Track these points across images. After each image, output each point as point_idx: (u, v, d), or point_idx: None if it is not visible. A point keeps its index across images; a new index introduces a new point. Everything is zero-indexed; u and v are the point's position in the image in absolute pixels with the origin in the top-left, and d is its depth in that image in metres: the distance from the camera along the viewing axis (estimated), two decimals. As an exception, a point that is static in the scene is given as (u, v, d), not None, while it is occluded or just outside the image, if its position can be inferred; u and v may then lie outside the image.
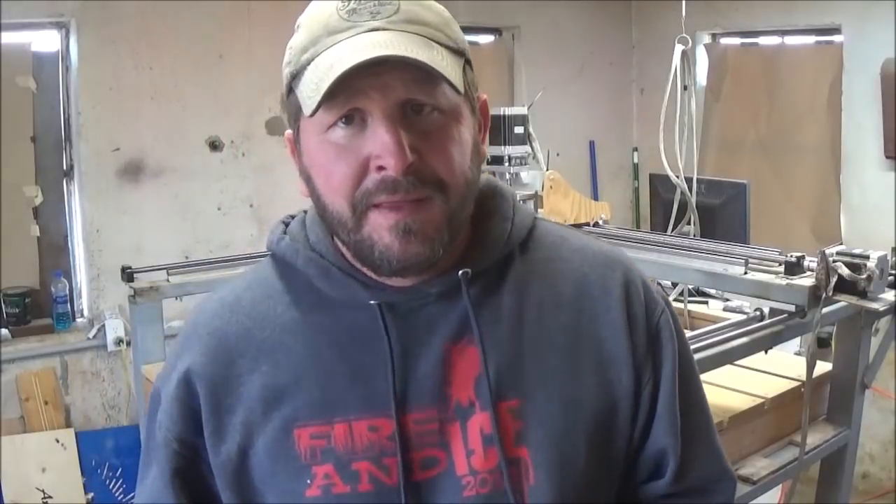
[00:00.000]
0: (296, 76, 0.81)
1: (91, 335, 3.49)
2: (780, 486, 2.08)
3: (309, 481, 0.83)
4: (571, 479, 0.84)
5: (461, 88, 0.79)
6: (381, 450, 0.82)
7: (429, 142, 0.79)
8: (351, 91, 0.76)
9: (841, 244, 1.77)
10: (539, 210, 2.23)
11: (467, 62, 0.83)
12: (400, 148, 0.76)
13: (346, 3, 0.79)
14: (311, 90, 0.77)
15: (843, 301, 1.67)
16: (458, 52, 0.82)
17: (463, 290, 0.84)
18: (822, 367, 2.03)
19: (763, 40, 4.65)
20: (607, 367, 0.87)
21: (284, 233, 0.92)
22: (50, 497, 3.20)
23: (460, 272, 0.84)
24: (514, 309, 0.86)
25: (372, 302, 0.84)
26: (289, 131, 0.87)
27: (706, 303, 3.35)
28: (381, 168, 0.77)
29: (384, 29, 0.78)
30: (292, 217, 0.95)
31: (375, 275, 0.84)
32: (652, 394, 0.90)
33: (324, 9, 0.81)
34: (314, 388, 0.84)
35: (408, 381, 0.83)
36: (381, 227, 0.79)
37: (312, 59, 0.79)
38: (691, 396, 0.95)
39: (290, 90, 0.82)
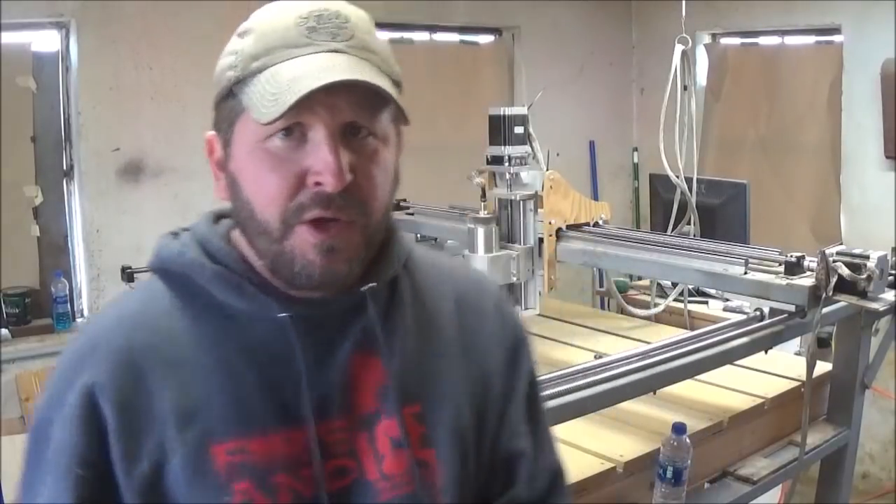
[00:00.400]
0: (242, 81, 0.82)
1: (91, 335, 3.49)
2: (780, 486, 2.08)
3: (228, 498, 0.82)
4: (468, 479, 0.91)
5: (408, 117, 0.84)
6: (297, 461, 0.83)
7: (361, 165, 0.81)
8: (299, 105, 0.77)
9: (841, 244, 1.77)
10: (539, 210, 2.23)
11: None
12: (340, 167, 0.79)
13: (306, 20, 0.81)
14: (269, 100, 0.78)
15: (843, 301, 1.67)
16: (397, 83, 0.85)
17: (368, 304, 0.87)
18: (822, 367, 2.03)
19: (763, 40, 4.65)
20: (486, 376, 0.95)
21: (182, 248, 0.90)
22: (50, 497, 3.20)
23: (365, 287, 0.87)
24: (410, 322, 0.92)
25: (282, 315, 0.84)
26: (211, 132, 0.88)
27: (706, 303, 3.35)
28: (318, 184, 0.80)
29: (342, 52, 0.81)
30: (175, 233, 0.94)
31: (286, 287, 0.85)
32: (514, 402, 0.98)
33: (280, 20, 0.82)
34: (228, 403, 0.83)
35: (318, 392, 0.85)
36: (306, 243, 0.81)
37: (266, 69, 0.80)
38: (540, 403, 1.04)
39: (231, 93, 0.83)
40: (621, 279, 3.56)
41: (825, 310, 1.66)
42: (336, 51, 0.80)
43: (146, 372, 0.83)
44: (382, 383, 0.87)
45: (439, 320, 0.95)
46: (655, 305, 2.83)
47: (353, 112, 0.80)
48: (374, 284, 0.88)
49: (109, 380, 0.82)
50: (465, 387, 0.93)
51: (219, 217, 0.94)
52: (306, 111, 0.78)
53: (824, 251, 1.66)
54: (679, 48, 2.65)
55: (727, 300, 3.25)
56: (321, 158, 0.79)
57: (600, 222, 2.28)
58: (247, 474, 0.82)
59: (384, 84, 0.80)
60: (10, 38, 3.30)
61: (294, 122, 0.79)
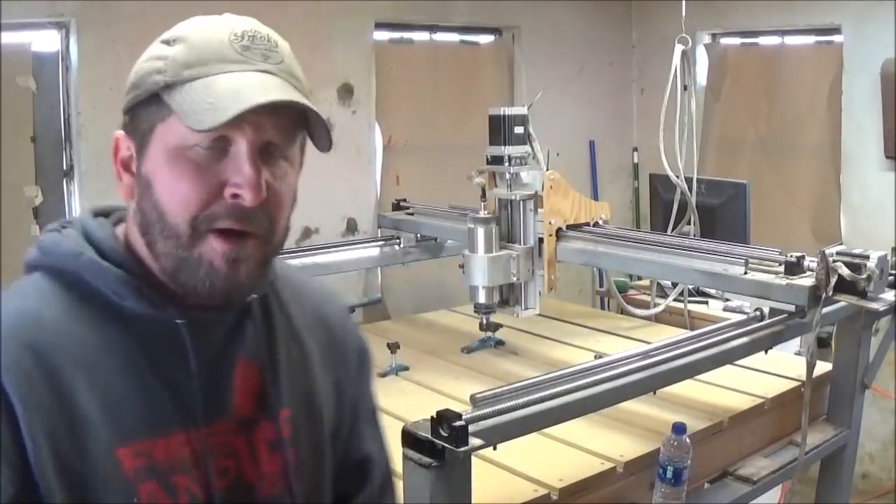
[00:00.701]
0: (170, 87, 0.83)
1: (91, 335, 3.49)
2: (780, 486, 2.08)
3: (135, 500, 0.83)
4: (328, 479, 1.00)
5: (332, 142, 0.89)
6: (191, 462, 0.86)
7: (272, 185, 0.85)
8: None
9: (841, 244, 1.77)
10: (539, 210, 2.23)
11: None
12: (260, 183, 0.82)
13: (239, 39, 0.84)
14: (204, 108, 0.80)
15: (843, 301, 1.67)
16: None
17: (254, 314, 0.93)
18: (822, 367, 2.03)
19: (763, 40, 4.65)
20: (341, 382, 1.03)
21: (77, 247, 0.89)
22: (50, 497, 3.20)
23: (250, 298, 0.92)
24: (285, 332, 0.98)
25: (179, 321, 0.86)
26: (120, 132, 0.89)
27: (706, 303, 3.35)
28: (235, 196, 0.82)
29: (274, 74, 0.84)
30: (59, 229, 0.93)
31: (182, 291, 0.86)
32: (363, 406, 1.07)
33: (213, 33, 0.85)
34: (134, 406, 0.84)
35: (209, 395, 0.88)
36: (214, 252, 0.83)
37: (199, 78, 0.82)
38: (377, 407, 1.11)
39: (156, 97, 0.84)
40: (621, 279, 3.56)
41: (825, 310, 1.66)
42: (268, 72, 0.84)
43: (56, 371, 0.81)
44: (261, 389, 0.93)
45: (303, 332, 1.00)
46: (655, 305, 2.83)
47: (274, 133, 0.84)
48: (256, 296, 0.93)
49: (17, 381, 0.79)
50: (327, 393, 1.01)
51: (97, 215, 0.95)
52: (234, 126, 0.80)
53: (824, 251, 1.66)
54: (679, 48, 2.65)
55: (727, 300, 3.25)
56: (243, 172, 0.81)
57: (600, 222, 2.28)
58: (152, 476, 0.84)
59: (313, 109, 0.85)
60: (10, 38, 3.30)
61: (221, 136, 0.81)
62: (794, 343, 2.42)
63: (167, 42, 0.87)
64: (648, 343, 1.63)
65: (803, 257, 1.76)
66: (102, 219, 0.94)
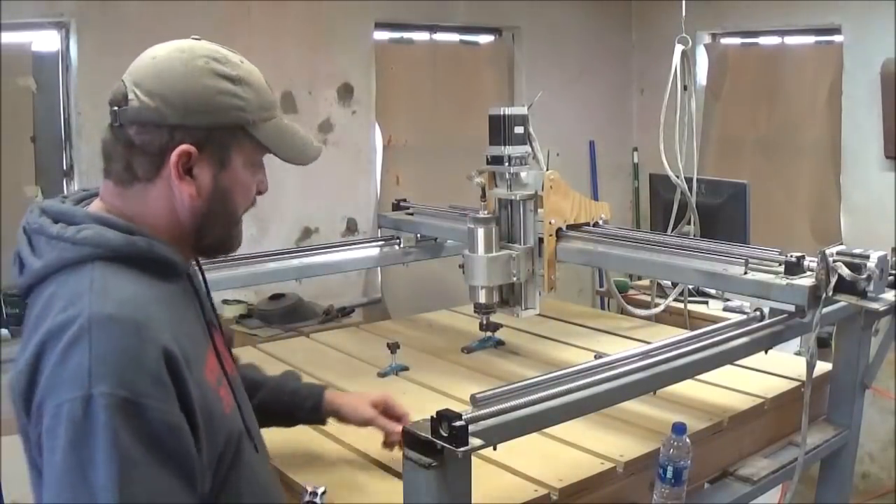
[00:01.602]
0: (254, 123, 1.15)
1: (91, 335, 3.49)
2: (780, 486, 2.08)
3: (220, 403, 1.12)
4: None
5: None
6: (220, 366, 1.17)
7: None
8: None
9: (841, 244, 1.76)
10: (539, 210, 2.23)
11: None
12: None
13: (269, 89, 1.20)
14: (299, 149, 1.22)
15: (843, 301, 1.67)
16: None
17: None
18: (822, 367, 2.03)
19: (763, 40, 4.65)
20: None
21: (121, 236, 1.09)
22: (50, 497, 3.20)
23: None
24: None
25: (195, 265, 1.24)
26: (191, 147, 1.10)
27: (706, 303, 3.35)
28: (259, 193, 1.23)
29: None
30: (57, 224, 1.11)
31: (205, 253, 1.24)
32: None
33: (257, 79, 1.18)
34: (197, 336, 1.15)
35: (211, 315, 1.24)
36: (242, 231, 1.24)
37: (271, 120, 1.18)
38: None
39: (242, 128, 1.14)
40: (621, 279, 3.56)
41: (825, 310, 1.66)
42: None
43: (170, 328, 1.03)
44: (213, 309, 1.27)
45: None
46: (655, 305, 2.83)
47: None
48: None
49: (173, 341, 1.01)
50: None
51: (77, 202, 1.17)
52: None
53: (824, 251, 1.65)
54: (679, 48, 2.65)
55: (727, 300, 3.25)
56: (266, 182, 1.24)
57: (600, 222, 2.27)
58: (219, 383, 1.14)
59: None
60: (10, 38, 3.31)
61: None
62: (794, 343, 2.42)
63: (230, 79, 1.13)
64: (648, 343, 1.62)
65: (803, 257, 1.75)
66: (97, 204, 1.16)
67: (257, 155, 1.18)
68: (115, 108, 1.11)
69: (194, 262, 1.25)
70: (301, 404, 1.56)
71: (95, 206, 1.15)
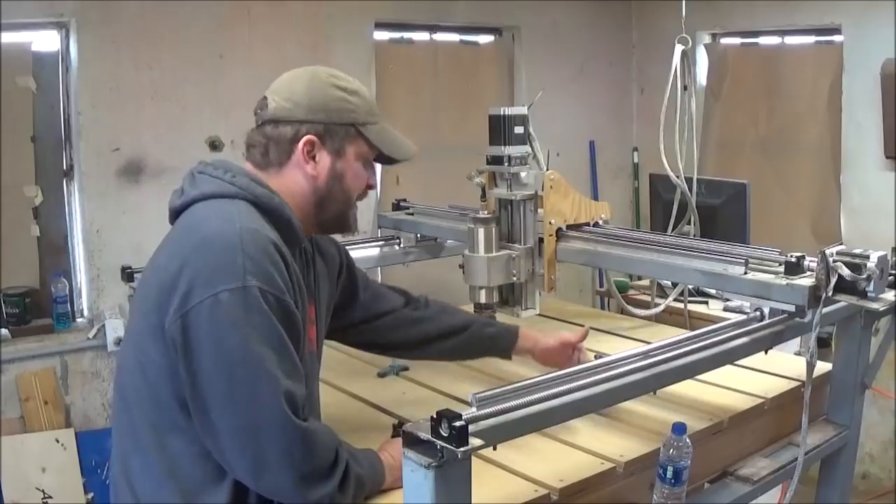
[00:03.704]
0: (364, 124, 1.48)
1: (91, 335, 3.49)
2: (780, 486, 2.08)
3: (307, 345, 1.44)
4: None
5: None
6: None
7: None
8: None
9: (841, 244, 1.76)
10: (539, 210, 2.23)
11: None
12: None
13: (375, 102, 1.53)
14: (399, 147, 1.55)
15: (843, 301, 1.67)
16: None
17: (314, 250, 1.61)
18: (822, 367, 2.03)
19: (763, 40, 4.65)
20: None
21: (268, 193, 1.42)
22: (50, 497, 3.20)
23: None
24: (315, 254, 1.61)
25: (308, 240, 1.55)
26: (314, 137, 1.44)
27: (706, 303, 3.35)
28: (369, 187, 1.55)
29: None
30: (223, 172, 1.44)
31: (322, 230, 1.57)
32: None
33: (367, 93, 1.52)
34: (301, 291, 1.42)
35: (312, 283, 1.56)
36: (355, 213, 1.56)
37: (377, 124, 1.51)
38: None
39: (353, 126, 1.47)
40: (621, 279, 3.56)
41: (825, 310, 1.66)
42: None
43: (286, 266, 1.34)
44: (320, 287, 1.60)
45: (318, 254, 1.64)
46: (655, 305, 2.83)
47: None
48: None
49: (278, 240, 1.35)
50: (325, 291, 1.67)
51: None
52: None
53: (824, 251, 1.65)
54: (679, 48, 2.65)
55: (727, 300, 3.25)
56: (376, 179, 1.57)
57: (600, 222, 2.27)
58: (310, 327, 1.47)
59: None
60: (10, 38, 3.30)
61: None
62: (795, 343, 2.42)
63: (344, 90, 1.47)
64: (648, 343, 1.62)
65: (803, 257, 1.75)
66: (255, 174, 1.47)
67: (367, 152, 1.49)
68: (258, 111, 1.47)
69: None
70: (494, 349, 1.96)
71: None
